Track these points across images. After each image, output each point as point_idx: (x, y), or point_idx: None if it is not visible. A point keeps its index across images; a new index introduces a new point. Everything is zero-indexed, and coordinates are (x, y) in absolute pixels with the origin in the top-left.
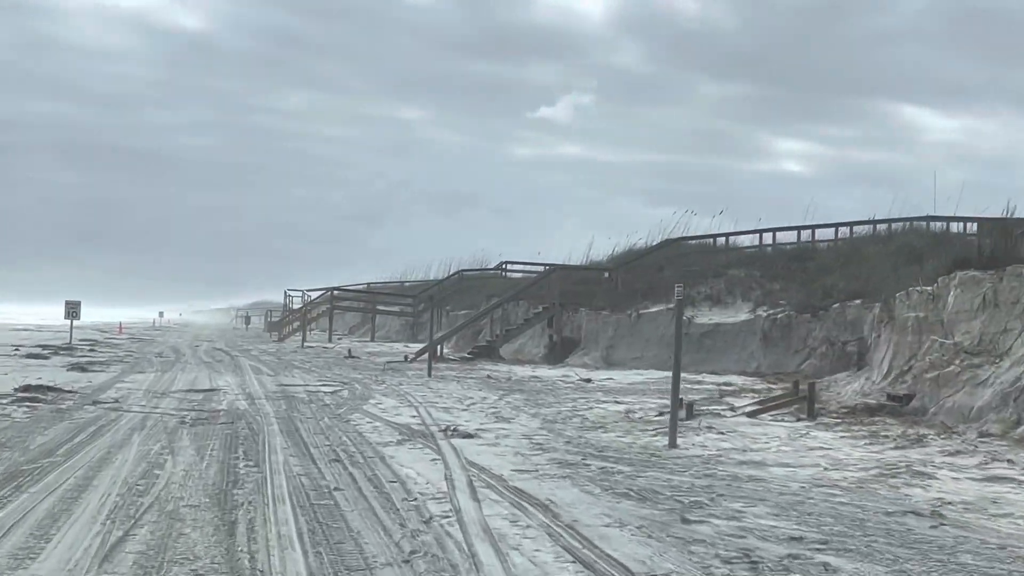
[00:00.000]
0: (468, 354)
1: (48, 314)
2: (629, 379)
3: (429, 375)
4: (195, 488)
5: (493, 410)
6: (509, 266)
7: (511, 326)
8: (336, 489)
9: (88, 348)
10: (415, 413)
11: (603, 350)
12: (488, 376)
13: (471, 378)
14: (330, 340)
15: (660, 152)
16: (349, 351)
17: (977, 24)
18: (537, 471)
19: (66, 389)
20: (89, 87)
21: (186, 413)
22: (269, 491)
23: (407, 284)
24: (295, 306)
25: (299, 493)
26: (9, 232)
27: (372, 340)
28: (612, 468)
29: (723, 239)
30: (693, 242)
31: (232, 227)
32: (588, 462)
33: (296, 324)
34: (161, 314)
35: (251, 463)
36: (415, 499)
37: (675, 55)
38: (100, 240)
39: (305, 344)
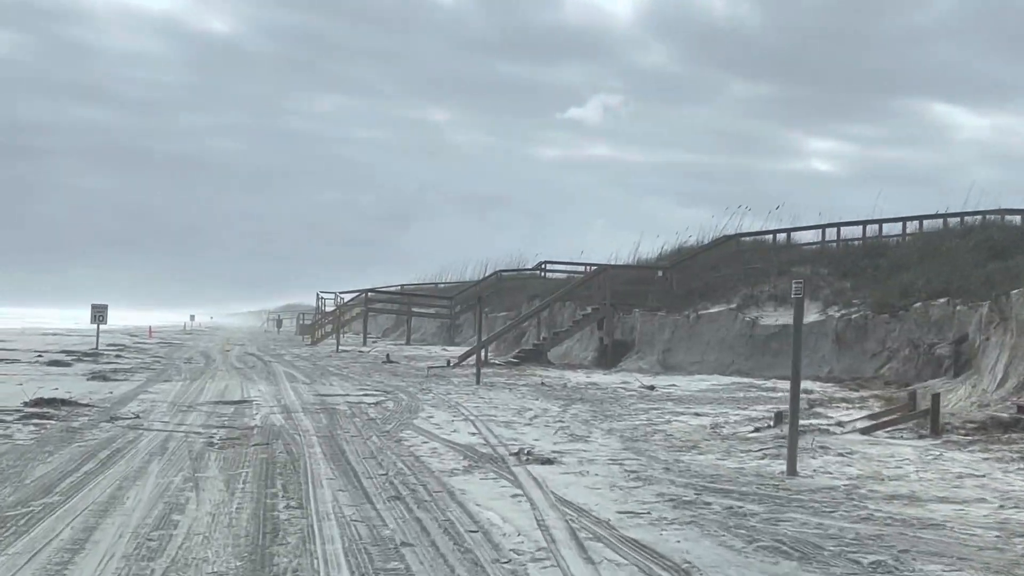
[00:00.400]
0: (513, 358)
1: (82, 318)
2: (695, 386)
3: (478, 382)
4: (223, 543)
5: (560, 424)
6: (549, 266)
7: (559, 328)
8: (404, 544)
9: (115, 354)
10: (474, 429)
11: (659, 354)
12: (542, 383)
13: (523, 385)
14: (365, 343)
15: (689, 152)
16: (387, 356)
17: (1009, 21)
18: (649, 513)
19: (82, 402)
20: (122, 92)
21: (215, 431)
22: (319, 549)
23: (441, 286)
24: (328, 309)
25: (357, 551)
26: (43, 236)
27: (408, 343)
28: (740, 508)
29: (783, 235)
30: (749, 239)
31: (263, 230)
32: (706, 499)
33: (329, 327)
34: (192, 317)
35: (292, 502)
36: (508, 559)
37: (704, 55)
38: (133, 244)
39: (340, 348)
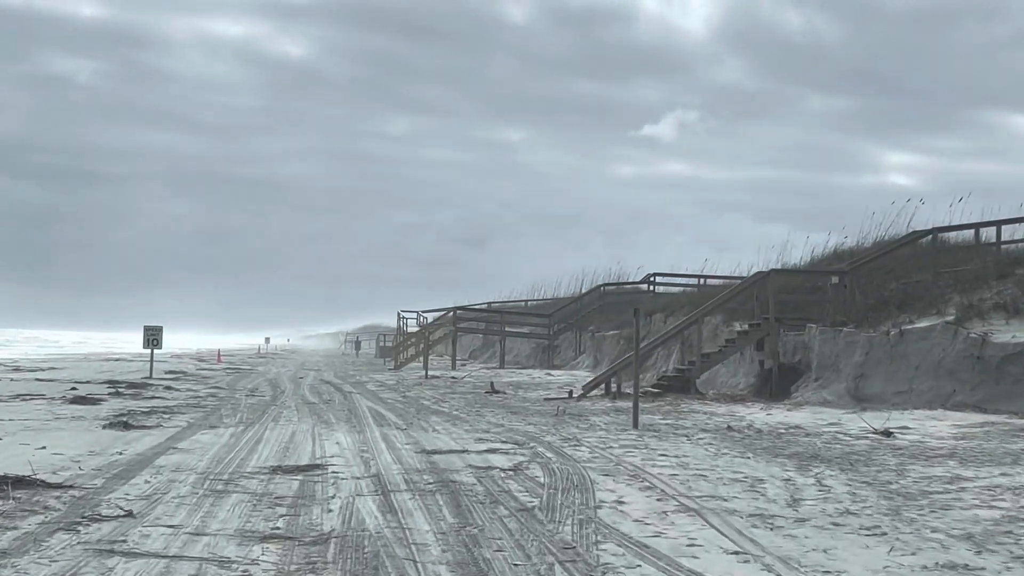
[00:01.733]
0: (653, 388)
1: (167, 343)
2: (936, 430)
3: (636, 425)
4: None
5: (865, 527)
6: (658, 279)
7: (709, 350)
8: None
9: (165, 385)
10: (723, 540)
11: (849, 381)
12: (728, 427)
13: (697, 429)
14: (454, 367)
15: (766, 168)
16: (492, 384)
17: None
18: None
19: (52, 481)
20: (198, 117)
21: (256, 552)
22: None
23: (531, 303)
24: (410, 329)
25: None
26: (125, 261)
27: (502, 367)
28: None
29: (991, 228)
30: (950, 234)
31: (339, 252)
32: None
33: (412, 350)
34: (267, 340)
35: None
36: None
37: (780, 69)
38: (212, 267)
39: (428, 373)
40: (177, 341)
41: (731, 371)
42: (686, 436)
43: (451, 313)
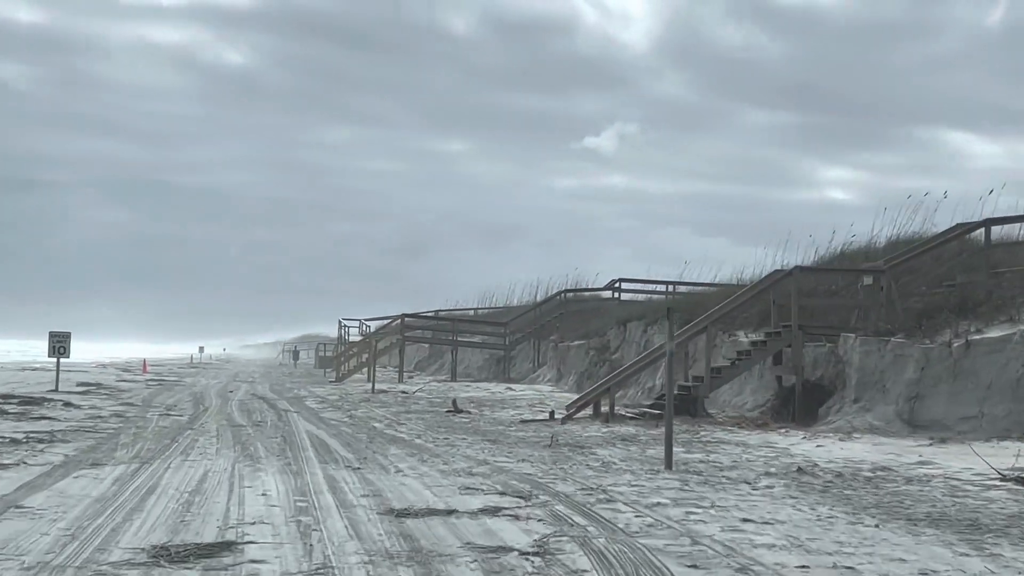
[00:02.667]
0: (649, 407)
1: (98, 351)
2: None
3: (669, 466)
4: None
5: None
6: (624, 285)
7: (720, 363)
8: None
9: (65, 401)
10: None
11: (901, 403)
12: (799, 469)
13: (753, 470)
14: (402, 380)
15: (706, 181)
16: (453, 402)
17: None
18: None
19: None
20: (136, 125)
21: None
22: None
23: (481, 312)
24: (352, 338)
25: None
26: (59, 269)
27: (454, 379)
28: None
29: None
30: (1003, 227)
31: (278, 262)
32: None
33: (355, 360)
34: (201, 349)
35: None
36: None
37: (720, 84)
38: (148, 276)
39: (376, 387)
40: (110, 350)
41: (735, 389)
42: (746, 482)
43: (398, 321)
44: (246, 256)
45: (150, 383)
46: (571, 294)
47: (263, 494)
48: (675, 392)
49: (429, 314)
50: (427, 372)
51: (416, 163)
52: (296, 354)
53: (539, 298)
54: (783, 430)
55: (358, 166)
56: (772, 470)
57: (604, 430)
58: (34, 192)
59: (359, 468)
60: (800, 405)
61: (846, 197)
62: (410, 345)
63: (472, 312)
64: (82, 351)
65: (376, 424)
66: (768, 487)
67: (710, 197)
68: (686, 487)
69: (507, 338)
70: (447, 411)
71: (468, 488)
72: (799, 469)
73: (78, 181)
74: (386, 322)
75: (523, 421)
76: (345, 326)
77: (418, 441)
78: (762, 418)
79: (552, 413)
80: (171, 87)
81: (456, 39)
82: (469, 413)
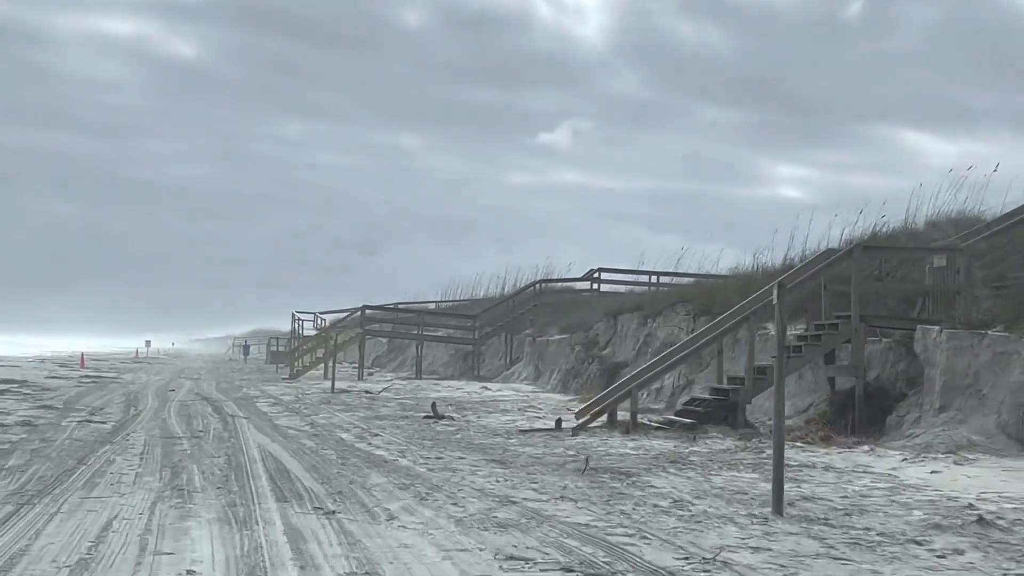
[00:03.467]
0: (678, 415)
1: (44, 346)
2: None
3: (780, 510)
4: None
5: None
6: (604, 275)
7: (765, 362)
8: None
9: None
10: None
11: (1007, 412)
12: (980, 520)
13: (898, 518)
14: (361, 377)
15: (659, 178)
16: (433, 407)
17: (977, 48)
18: None
19: None
20: (84, 116)
21: None
22: None
23: (444, 305)
24: (306, 332)
25: None
26: (6, 263)
27: (418, 376)
28: None
29: None
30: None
31: (229, 256)
32: None
33: (310, 356)
34: (148, 343)
35: None
36: None
37: (674, 80)
38: (98, 270)
39: (335, 386)
40: (56, 345)
41: (768, 393)
42: (914, 542)
43: (358, 313)
44: (197, 250)
45: (83, 380)
46: (546, 285)
47: (189, 572)
48: (708, 397)
49: (391, 307)
50: (387, 368)
51: (369, 157)
52: (247, 349)
53: (507, 291)
54: (863, 447)
55: (311, 160)
56: (925, 516)
57: (631, 444)
58: None
59: (334, 512)
60: (860, 414)
61: (798, 195)
62: (369, 340)
63: (433, 305)
64: (27, 345)
65: (344, 435)
66: (951, 551)
67: (663, 194)
68: (833, 550)
69: (476, 332)
70: (426, 416)
71: (510, 558)
72: (980, 519)
73: (27, 173)
74: (344, 315)
75: (523, 431)
76: (299, 319)
77: (404, 462)
78: (822, 430)
79: (559, 422)
80: (122, 79)
81: (410, 33)
82: (452, 420)
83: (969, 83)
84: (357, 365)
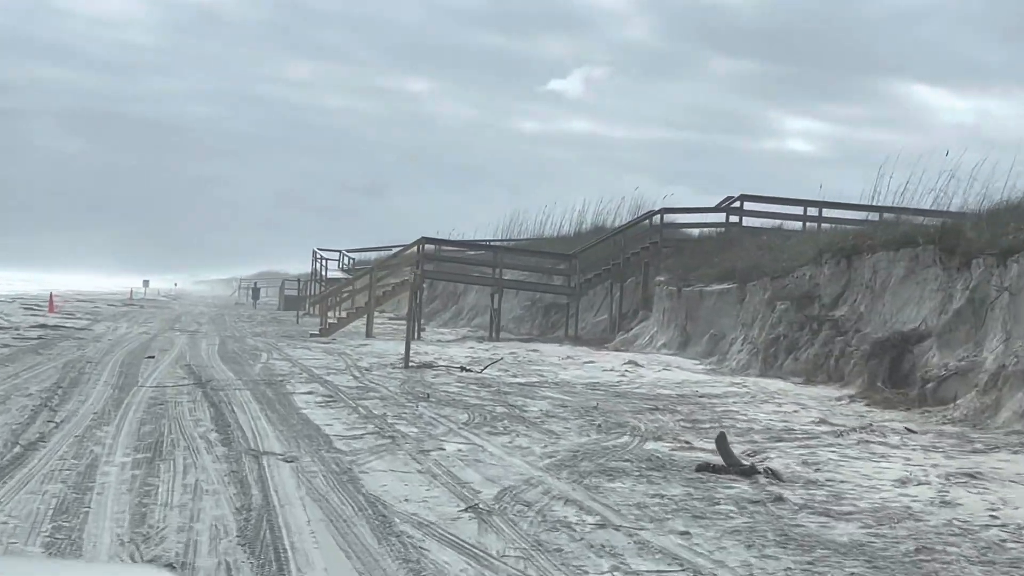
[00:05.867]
0: None
1: (48, 281)
2: None
3: None
4: None
5: None
6: (748, 205)
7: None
8: None
9: None
10: None
11: None
12: None
13: None
14: (415, 335)
15: (669, 129)
16: (721, 441)
17: (996, 4)
18: None
19: None
20: (92, 53)
21: None
22: None
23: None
24: (331, 274)
25: None
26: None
27: (496, 337)
28: None
29: None
30: None
31: (235, 197)
32: None
33: (342, 306)
34: (146, 283)
35: None
36: None
37: (687, 30)
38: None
39: (411, 355)
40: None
41: None
42: None
43: (412, 249)
44: (203, 190)
45: (26, 335)
46: (672, 214)
47: None
48: None
49: (459, 243)
50: (435, 322)
51: (378, 101)
52: (256, 292)
53: (583, 229)
54: None
55: (319, 102)
56: None
57: None
58: None
59: None
60: None
61: (808, 148)
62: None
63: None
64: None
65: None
66: None
67: (672, 144)
68: None
69: (574, 278)
70: (704, 468)
71: None
72: None
73: (33, 108)
74: (395, 251)
75: None
76: (321, 258)
77: None
78: None
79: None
80: (131, 16)
81: None
82: (778, 481)
83: (985, 40)
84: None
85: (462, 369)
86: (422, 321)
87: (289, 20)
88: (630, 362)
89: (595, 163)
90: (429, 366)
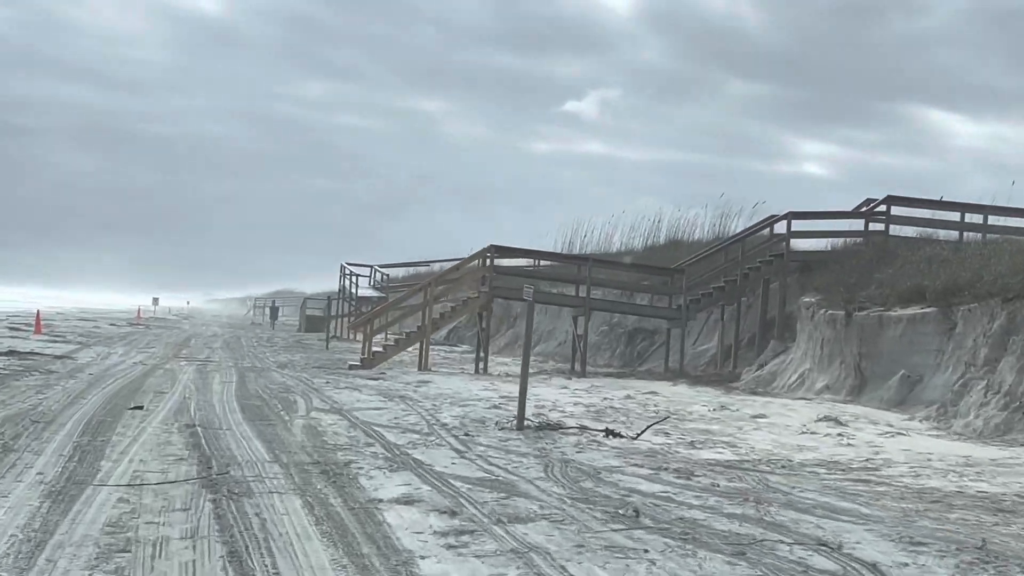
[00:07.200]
0: None
1: (64, 299)
2: None
3: None
4: None
5: None
6: (895, 210)
7: None
8: None
9: None
10: None
11: None
12: None
13: None
14: (483, 368)
15: (684, 151)
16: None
17: (1011, 29)
18: None
19: None
20: (107, 71)
21: None
22: None
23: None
24: (363, 292)
25: None
26: (25, 216)
27: (581, 371)
28: None
29: None
30: None
31: (249, 216)
32: None
33: (396, 330)
34: (155, 301)
35: None
36: None
37: (701, 52)
38: (114, 225)
39: (502, 400)
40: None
41: None
42: None
43: (474, 262)
44: (217, 209)
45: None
46: (797, 223)
47: None
48: None
49: (537, 253)
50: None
51: (393, 121)
52: (275, 311)
53: (657, 242)
54: None
55: (334, 121)
56: None
57: None
58: (4, 136)
59: None
60: None
61: (822, 172)
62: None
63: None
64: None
65: None
66: None
67: (688, 168)
68: None
69: (673, 299)
70: None
71: None
72: None
73: (49, 127)
74: (453, 264)
75: None
76: (350, 274)
77: None
78: None
79: None
80: (146, 35)
81: None
82: None
83: (1001, 65)
84: (470, 348)
85: (608, 433)
86: (446, 340)
87: (304, 39)
88: (826, 419)
89: (608, 185)
90: (554, 427)
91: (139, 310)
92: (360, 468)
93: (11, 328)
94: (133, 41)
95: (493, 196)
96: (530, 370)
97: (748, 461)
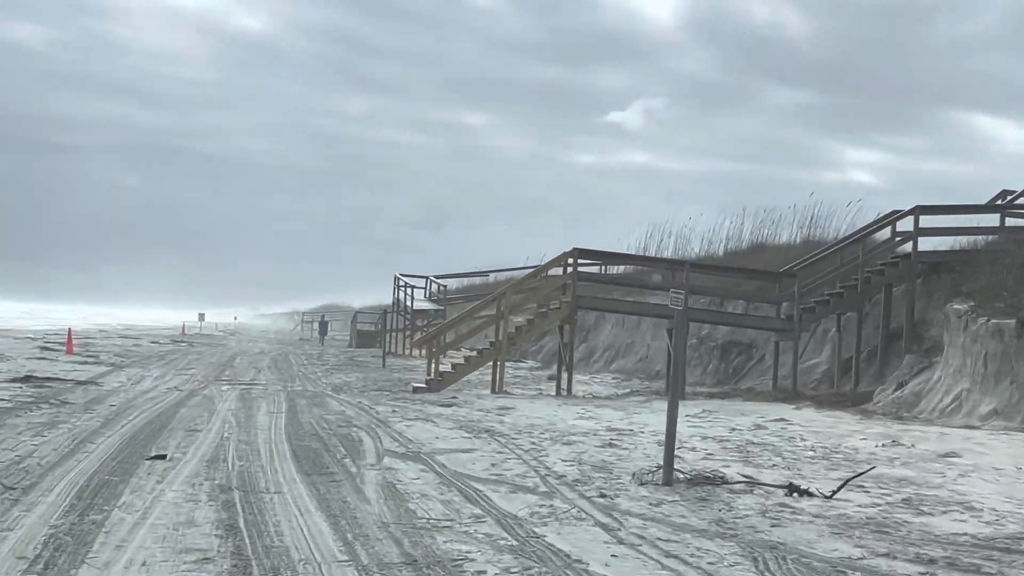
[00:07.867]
0: None
1: (112, 315)
2: None
3: None
4: None
5: None
6: None
7: None
8: None
9: None
10: None
11: None
12: None
13: None
14: (567, 389)
15: (729, 161)
16: None
17: None
18: None
19: None
20: (151, 88)
21: None
22: None
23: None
24: (419, 305)
25: None
26: (74, 234)
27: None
28: None
29: None
30: None
31: (294, 231)
32: None
33: (465, 346)
34: (202, 316)
35: None
36: None
37: (744, 61)
38: (161, 242)
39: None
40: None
41: None
42: None
43: (557, 268)
44: (261, 224)
45: (31, 389)
46: (926, 218)
47: None
48: None
49: (623, 256)
50: (550, 365)
51: (435, 135)
52: (324, 327)
53: (739, 247)
54: None
55: (377, 136)
56: None
57: None
58: (49, 154)
59: None
60: None
61: (871, 180)
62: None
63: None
64: (82, 316)
65: None
66: None
67: (733, 177)
68: None
69: (784, 306)
70: None
71: None
72: None
73: (95, 144)
74: (530, 269)
75: None
76: (405, 285)
77: None
78: None
79: None
80: (189, 52)
81: (478, 9)
82: None
83: None
84: (536, 364)
85: (792, 491)
86: (537, 365)
87: (345, 54)
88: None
89: (653, 195)
90: (714, 481)
91: (183, 326)
92: (481, 571)
93: (43, 348)
94: (178, 59)
95: (537, 208)
96: (619, 391)
97: (1009, 537)
